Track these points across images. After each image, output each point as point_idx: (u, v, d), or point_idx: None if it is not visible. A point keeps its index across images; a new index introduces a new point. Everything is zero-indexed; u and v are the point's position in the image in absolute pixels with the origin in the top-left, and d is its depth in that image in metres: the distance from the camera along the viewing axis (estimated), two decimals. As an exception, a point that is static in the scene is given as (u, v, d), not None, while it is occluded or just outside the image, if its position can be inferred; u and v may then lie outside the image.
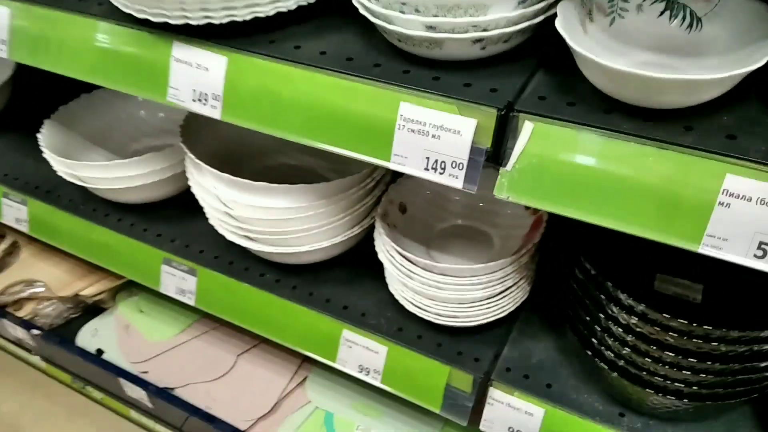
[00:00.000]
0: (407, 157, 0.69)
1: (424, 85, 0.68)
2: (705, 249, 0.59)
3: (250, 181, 0.91)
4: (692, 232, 0.59)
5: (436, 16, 0.64)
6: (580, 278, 0.85)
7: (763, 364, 0.77)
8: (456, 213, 1.06)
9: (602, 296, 0.79)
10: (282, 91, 0.73)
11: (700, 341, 0.72)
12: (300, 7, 0.77)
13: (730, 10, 0.63)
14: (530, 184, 0.64)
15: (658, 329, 0.74)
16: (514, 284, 0.93)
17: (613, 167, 0.60)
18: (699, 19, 0.65)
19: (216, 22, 0.72)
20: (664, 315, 0.73)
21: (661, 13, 0.67)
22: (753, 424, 0.87)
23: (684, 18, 0.66)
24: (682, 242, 0.59)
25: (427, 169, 0.69)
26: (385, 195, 0.99)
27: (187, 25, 0.73)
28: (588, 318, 0.84)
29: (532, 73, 0.68)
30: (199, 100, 0.77)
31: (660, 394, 0.80)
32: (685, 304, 0.88)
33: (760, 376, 0.80)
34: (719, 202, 0.57)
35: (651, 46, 0.67)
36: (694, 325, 0.72)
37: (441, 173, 0.68)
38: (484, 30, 0.64)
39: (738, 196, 0.56)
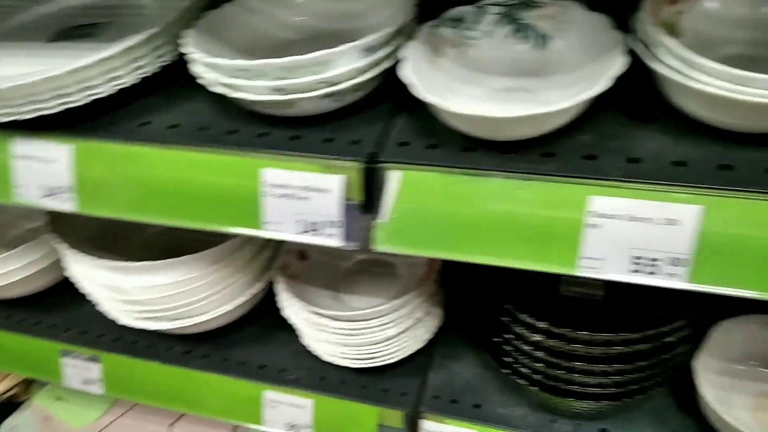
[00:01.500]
0: (280, 223, 0.66)
1: (284, 147, 0.64)
2: (583, 272, 0.59)
3: (132, 263, 0.85)
4: (568, 257, 0.58)
5: (281, 78, 0.60)
6: (484, 301, 0.85)
7: (668, 355, 0.79)
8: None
9: (506, 318, 0.79)
10: (135, 173, 0.68)
11: (604, 348, 0.73)
12: (145, 80, 0.72)
13: (575, 24, 0.63)
14: (407, 232, 0.62)
15: (563, 342, 0.75)
16: (426, 313, 0.92)
17: (483, 205, 0.59)
18: (547, 38, 0.65)
19: (48, 112, 0.66)
20: (566, 329, 0.73)
21: (510, 36, 0.66)
22: (675, 404, 0.89)
23: (533, 38, 0.66)
24: (561, 268, 0.59)
25: (302, 232, 0.65)
26: (283, 245, 0.95)
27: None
28: (498, 339, 0.83)
29: (393, 117, 0.66)
30: (51, 195, 0.71)
31: (580, 400, 0.81)
32: (591, 303, 0.89)
33: (669, 365, 0.82)
34: (589, 225, 0.57)
35: (506, 71, 0.66)
36: (596, 334, 0.73)
37: (317, 235, 0.65)
38: (334, 84, 0.61)
39: (606, 216, 0.56)
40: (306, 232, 0.66)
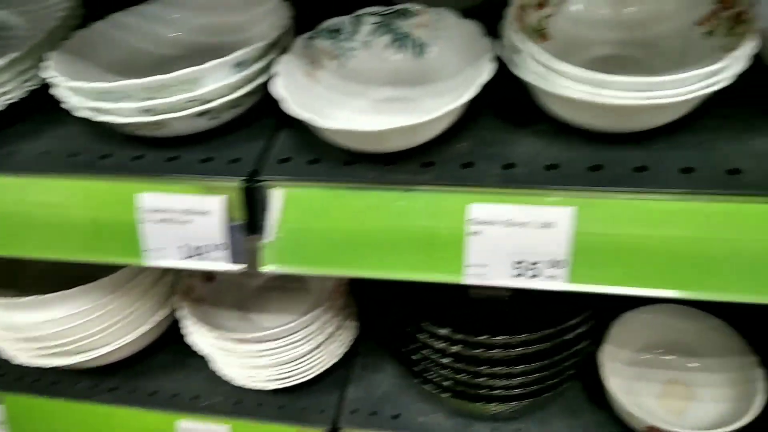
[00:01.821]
0: (162, 250, 0.63)
1: (160, 170, 0.62)
2: (469, 279, 0.58)
3: (22, 298, 0.80)
4: (454, 265, 0.58)
5: (148, 98, 0.58)
6: (394, 310, 0.84)
7: (572, 351, 0.80)
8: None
9: (412, 327, 0.78)
10: (3, 205, 0.63)
11: (504, 350, 0.74)
12: (12, 106, 0.68)
13: (449, 32, 0.63)
14: (294, 250, 0.61)
15: (465, 347, 0.75)
16: (338, 327, 0.90)
17: (366, 218, 0.58)
18: (424, 46, 0.65)
19: None
20: (466, 335, 0.74)
21: (389, 46, 0.66)
22: (586, 396, 0.91)
23: (410, 47, 0.65)
24: (447, 277, 0.59)
25: (186, 258, 0.63)
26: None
27: None
28: (407, 349, 0.83)
29: (274, 133, 0.64)
30: None
31: (493, 403, 0.81)
32: (499, 303, 0.90)
33: (575, 360, 0.83)
34: (470, 232, 0.57)
35: (387, 80, 0.65)
36: (494, 338, 0.73)
37: (203, 259, 0.63)
38: (206, 102, 0.59)
39: (485, 223, 0.56)
40: (190, 257, 0.63)
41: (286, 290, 0.97)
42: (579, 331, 0.84)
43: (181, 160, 0.63)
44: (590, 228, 0.54)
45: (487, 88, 0.56)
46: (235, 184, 0.60)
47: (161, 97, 0.58)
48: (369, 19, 0.65)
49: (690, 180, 0.52)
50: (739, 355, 0.88)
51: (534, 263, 0.57)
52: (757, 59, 0.54)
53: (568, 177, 0.55)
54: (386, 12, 0.65)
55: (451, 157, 0.59)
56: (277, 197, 0.59)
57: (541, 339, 0.77)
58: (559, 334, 0.80)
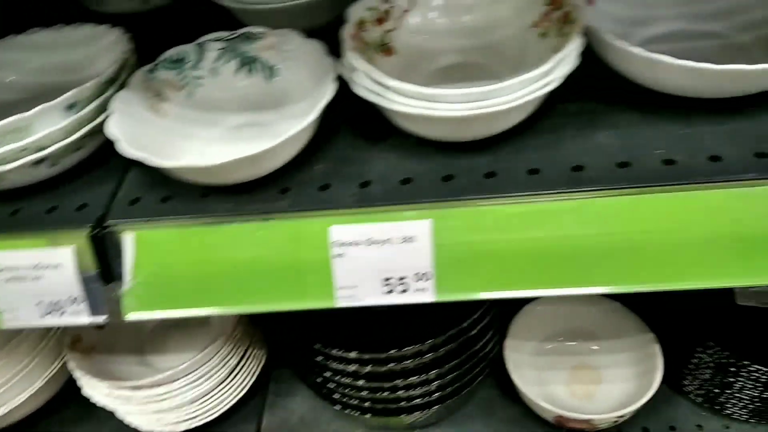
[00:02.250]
0: (16, 310, 0.59)
1: (3, 226, 0.58)
2: (341, 302, 0.57)
3: None
4: (325, 290, 0.57)
5: (-26, 152, 0.54)
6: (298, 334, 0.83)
7: (479, 346, 0.81)
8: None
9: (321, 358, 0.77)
10: None
11: (400, 362, 0.73)
12: None
13: (295, 53, 0.62)
14: (155, 294, 0.58)
15: (377, 365, 0.75)
16: (244, 357, 0.88)
17: (227, 253, 0.56)
18: (274, 69, 0.63)
19: None
20: (374, 353, 0.73)
21: (238, 71, 0.64)
22: (500, 392, 0.92)
23: (260, 70, 0.63)
24: (320, 303, 0.57)
25: (45, 315, 0.59)
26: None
27: None
28: (319, 379, 0.82)
29: (123, 173, 0.61)
30: None
31: (408, 414, 0.81)
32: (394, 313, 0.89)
33: (484, 355, 0.84)
34: (334, 255, 0.55)
35: (241, 106, 0.63)
36: (405, 349, 0.73)
37: (63, 315, 0.59)
38: (40, 150, 0.55)
39: (348, 244, 0.55)
40: (49, 314, 0.59)
41: (186, 326, 0.94)
42: (482, 325, 0.85)
43: (25, 213, 0.59)
44: (449, 238, 0.54)
45: (342, 104, 0.55)
46: (83, 232, 0.56)
47: (-12, 151, 0.54)
48: (213, 45, 0.63)
49: (537, 181, 0.53)
50: (637, 333, 0.90)
51: (402, 278, 0.56)
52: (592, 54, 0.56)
53: (423, 190, 0.54)
54: (231, 37, 0.63)
55: (308, 180, 0.57)
56: (129, 241, 0.56)
57: (447, 340, 0.77)
58: (462, 332, 0.80)
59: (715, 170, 0.50)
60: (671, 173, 0.51)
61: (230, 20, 0.71)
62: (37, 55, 0.69)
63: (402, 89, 0.49)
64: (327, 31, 0.61)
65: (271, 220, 0.55)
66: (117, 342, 0.89)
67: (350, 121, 0.62)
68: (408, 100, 0.50)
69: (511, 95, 0.48)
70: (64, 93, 0.66)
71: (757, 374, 0.78)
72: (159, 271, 0.57)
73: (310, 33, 0.63)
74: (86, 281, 0.57)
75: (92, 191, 0.60)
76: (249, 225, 0.56)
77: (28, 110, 0.58)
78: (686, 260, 0.52)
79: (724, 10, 0.62)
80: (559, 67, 0.49)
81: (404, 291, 0.57)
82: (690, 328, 0.84)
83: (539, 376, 0.91)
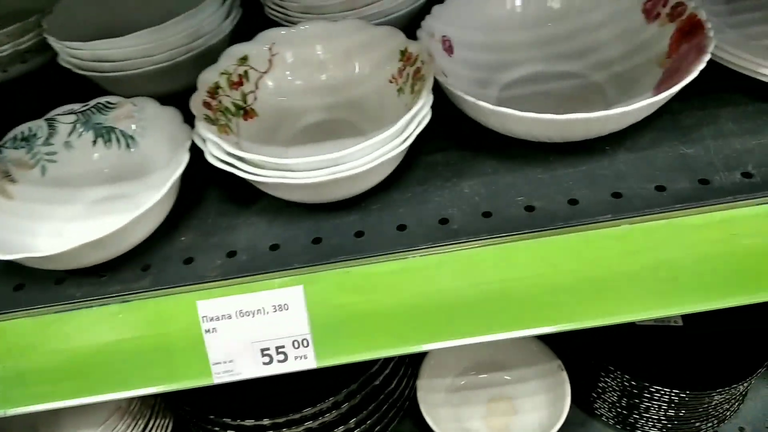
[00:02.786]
0: None
1: None
2: (219, 378, 0.55)
3: None
4: (200, 367, 0.54)
5: None
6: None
7: (386, 394, 0.80)
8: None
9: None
10: None
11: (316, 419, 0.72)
12: None
13: (153, 121, 0.59)
14: (14, 388, 0.54)
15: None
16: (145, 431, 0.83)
17: (89, 339, 0.53)
18: (133, 138, 0.61)
19: None
20: (266, 420, 0.71)
21: (94, 143, 0.61)
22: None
23: (118, 140, 0.61)
24: (197, 381, 0.54)
25: None
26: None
27: None
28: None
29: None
30: None
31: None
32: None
33: (392, 401, 0.83)
34: (205, 331, 0.53)
35: (102, 178, 0.60)
36: (304, 410, 0.72)
37: None
38: None
39: (218, 318, 0.53)
40: None
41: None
42: (392, 365, 0.84)
43: None
44: (323, 302, 0.52)
45: (206, 169, 0.53)
46: (-74, 331, 0.52)
47: None
48: (65, 118, 0.59)
49: (405, 236, 0.52)
50: (546, 361, 0.91)
51: (279, 347, 0.54)
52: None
53: (292, 255, 0.53)
54: (82, 109, 0.60)
55: (172, 254, 0.55)
56: (-21, 337, 0.52)
57: (348, 395, 0.75)
58: (363, 385, 0.79)
59: (573, 213, 0.51)
60: (532, 220, 0.51)
61: (91, 87, 0.68)
62: None
63: (252, 160, 0.48)
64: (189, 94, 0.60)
65: (131, 301, 0.52)
66: (9, 422, 0.82)
67: (217, 185, 0.60)
68: (261, 170, 0.48)
69: (362, 159, 0.47)
70: None
71: (659, 394, 0.80)
72: (19, 365, 0.53)
73: (173, 96, 0.61)
74: (-65, 385, 0.53)
75: (-64, 285, 0.55)
76: (109, 308, 0.52)
77: None
78: (558, 301, 0.52)
79: (579, 51, 0.65)
80: (409, 127, 0.49)
81: (284, 360, 0.55)
82: (593, 353, 0.85)
83: (456, 413, 0.91)
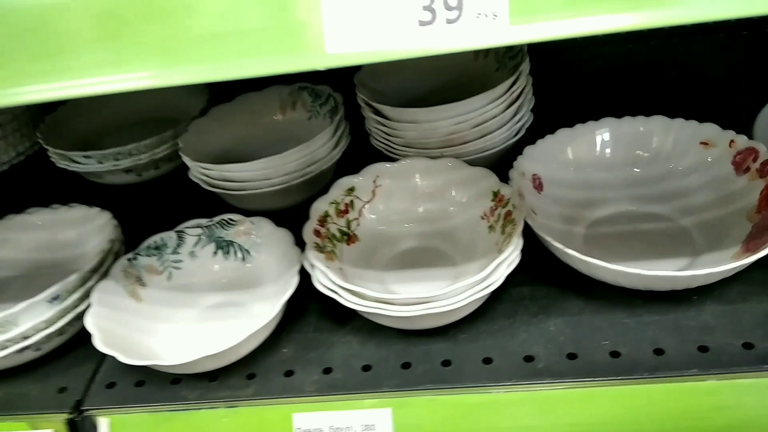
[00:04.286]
0: (-11, 495, 0.60)
1: (-17, 410, 0.60)
2: (306, 489, 0.58)
3: None
4: (289, 478, 0.58)
5: (-40, 344, 0.58)
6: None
7: None
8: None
9: None
10: None
11: None
12: None
13: (267, 239, 0.67)
14: (125, 479, 0.59)
15: None
16: None
17: (195, 439, 0.58)
18: (248, 252, 0.68)
19: None
20: None
21: (215, 254, 0.68)
22: None
23: (236, 253, 0.68)
24: (285, 490, 0.58)
25: (16, 500, 0.60)
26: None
27: None
28: None
29: (103, 355, 0.64)
30: None
31: None
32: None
33: None
34: (298, 441, 0.57)
35: (218, 286, 0.68)
36: None
37: (33, 498, 0.60)
38: (24, 339, 0.59)
39: (311, 431, 0.57)
40: (21, 498, 0.60)
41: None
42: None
43: (7, 395, 0.62)
44: (409, 425, 0.55)
45: (309, 286, 0.59)
46: (61, 416, 0.59)
47: (-26, 343, 0.58)
48: (192, 231, 0.68)
49: (491, 370, 0.55)
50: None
51: (364, 465, 0.57)
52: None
53: (383, 377, 0.57)
54: (208, 224, 0.68)
55: (274, 366, 0.60)
56: (104, 426, 0.59)
57: None
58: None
59: (659, 364, 0.53)
60: (618, 366, 0.53)
61: (211, 196, 0.77)
62: (33, 233, 0.75)
63: (353, 291, 0.53)
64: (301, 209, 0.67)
65: (236, 407, 0.58)
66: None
67: (317, 301, 0.65)
68: (361, 301, 0.53)
69: (454, 298, 0.52)
70: (56, 269, 0.72)
71: None
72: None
73: (285, 211, 0.68)
74: (61, 465, 0.59)
75: (72, 373, 0.63)
76: (216, 412, 0.58)
77: (23, 288, 0.63)
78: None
79: (667, 194, 0.67)
80: (498, 269, 0.53)
81: (366, 478, 0.58)
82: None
83: None
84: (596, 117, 0.72)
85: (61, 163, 0.86)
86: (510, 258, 0.54)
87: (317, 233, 0.60)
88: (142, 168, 0.86)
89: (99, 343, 0.55)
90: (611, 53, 0.90)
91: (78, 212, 0.74)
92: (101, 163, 0.84)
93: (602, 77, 0.90)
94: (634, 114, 0.71)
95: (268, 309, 0.59)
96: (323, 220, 0.62)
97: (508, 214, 0.59)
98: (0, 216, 0.77)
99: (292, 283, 0.58)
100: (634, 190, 0.69)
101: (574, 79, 0.90)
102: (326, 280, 0.55)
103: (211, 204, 0.75)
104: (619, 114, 0.71)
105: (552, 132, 0.70)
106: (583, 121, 0.71)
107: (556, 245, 0.55)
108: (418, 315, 0.52)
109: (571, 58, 0.91)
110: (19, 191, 0.93)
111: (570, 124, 0.71)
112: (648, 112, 0.71)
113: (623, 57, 0.90)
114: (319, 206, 0.63)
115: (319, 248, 0.59)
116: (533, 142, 0.69)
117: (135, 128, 0.99)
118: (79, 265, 0.72)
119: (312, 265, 0.57)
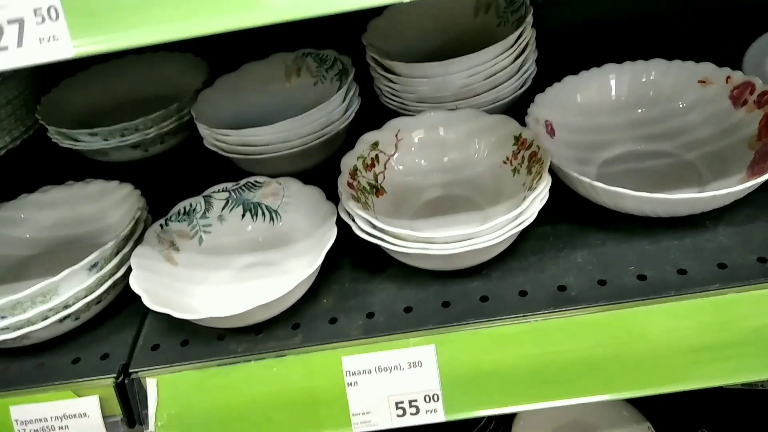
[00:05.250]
0: (41, 464, 0.61)
1: (28, 380, 0.61)
2: (358, 428, 0.60)
3: None
4: (341, 418, 0.60)
5: (3, 317, 0.58)
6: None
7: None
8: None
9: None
10: None
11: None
12: None
13: (296, 198, 0.68)
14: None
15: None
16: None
17: (245, 391, 0.60)
18: (277, 213, 0.69)
19: None
20: None
21: (243, 216, 0.70)
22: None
23: (263, 215, 0.69)
24: (338, 430, 0.60)
25: (68, 466, 0.61)
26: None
27: None
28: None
29: (142, 319, 0.65)
30: None
31: None
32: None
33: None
34: (348, 384, 0.59)
35: (249, 248, 0.69)
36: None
37: (85, 464, 0.61)
38: (65, 308, 0.60)
39: (360, 372, 0.59)
40: (73, 462, 0.61)
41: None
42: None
43: (49, 365, 0.62)
44: (453, 360, 0.58)
45: (340, 240, 0.61)
46: (108, 381, 0.60)
47: (17, 314, 0.58)
48: (219, 195, 0.69)
49: (527, 302, 0.58)
50: (634, 423, 0.94)
51: (412, 401, 0.60)
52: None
53: (424, 317, 0.59)
54: (234, 187, 0.69)
55: (317, 315, 0.62)
56: (152, 387, 0.60)
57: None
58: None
59: (683, 282, 0.57)
60: (646, 288, 0.57)
61: (220, 164, 0.78)
62: (50, 211, 0.75)
63: (400, 234, 0.55)
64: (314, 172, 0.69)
65: (285, 356, 0.60)
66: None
67: (348, 255, 0.67)
68: (405, 243, 0.56)
69: (494, 234, 0.54)
70: (76, 245, 0.72)
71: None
72: (181, 414, 0.60)
73: (298, 176, 0.70)
74: (110, 428, 0.60)
75: (113, 340, 0.63)
76: (265, 362, 0.60)
77: (44, 265, 0.63)
78: (672, 365, 0.57)
79: (670, 132, 0.71)
80: (533, 204, 0.56)
81: (416, 413, 0.60)
82: (682, 416, 0.88)
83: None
84: (587, 66, 0.75)
85: (65, 143, 0.86)
86: (542, 193, 0.57)
87: (351, 186, 0.62)
88: (149, 143, 0.86)
89: (149, 303, 0.56)
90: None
91: (95, 187, 0.74)
92: (107, 140, 0.84)
93: (592, 28, 0.95)
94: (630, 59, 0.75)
95: (307, 262, 0.60)
96: (353, 173, 0.64)
97: (533, 155, 0.62)
98: (10, 197, 0.76)
99: (331, 234, 0.60)
100: (639, 131, 0.73)
101: (566, 32, 0.94)
102: (368, 226, 0.57)
103: (221, 174, 0.76)
104: (619, 60, 0.75)
105: (556, 81, 0.74)
106: (577, 70, 0.75)
107: (583, 179, 0.58)
108: (460, 252, 0.54)
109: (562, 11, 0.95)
110: (19, 175, 0.92)
111: (564, 74, 0.74)
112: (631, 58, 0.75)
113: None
114: (348, 161, 0.65)
115: (356, 199, 0.61)
116: (538, 92, 0.72)
117: (127, 107, 0.98)
118: (102, 239, 0.72)
119: (352, 215, 0.59)
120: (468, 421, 0.85)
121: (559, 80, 0.74)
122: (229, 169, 0.77)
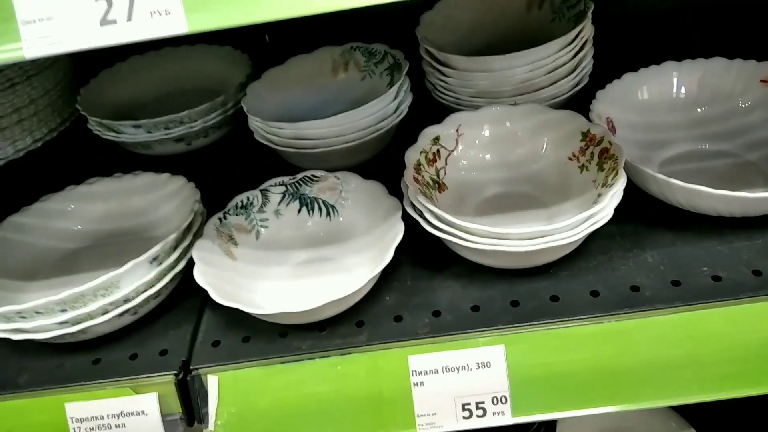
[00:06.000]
0: (97, 462, 0.59)
1: (84, 377, 0.59)
2: (423, 429, 0.59)
3: None
4: (406, 418, 0.59)
5: (65, 311, 0.56)
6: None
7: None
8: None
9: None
10: None
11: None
12: None
13: (355, 193, 0.67)
14: (241, 433, 0.59)
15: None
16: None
17: (308, 389, 0.58)
18: (334, 207, 0.68)
19: None
20: None
21: (299, 211, 0.68)
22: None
23: (321, 210, 0.68)
24: (402, 431, 0.59)
25: (125, 465, 0.59)
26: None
27: None
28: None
29: (200, 314, 0.64)
30: None
31: None
32: None
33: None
34: (414, 384, 0.58)
35: (304, 244, 0.68)
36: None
37: (143, 463, 0.59)
38: (126, 302, 0.58)
39: (426, 373, 0.58)
40: (127, 461, 0.60)
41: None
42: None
43: (106, 361, 0.61)
44: (522, 361, 0.57)
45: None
46: (167, 378, 0.58)
47: (79, 308, 0.56)
48: (276, 189, 0.68)
49: (600, 302, 0.57)
50: (679, 430, 0.93)
51: (480, 403, 0.59)
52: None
53: (492, 316, 0.58)
54: (291, 181, 0.68)
55: (382, 313, 0.61)
56: (213, 385, 0.58)
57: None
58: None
59: (760, 284, 0.56)
60: (722, 288, 0.56)
61: (261, 157, 0.76)
62: (98, 203, 0.73)
63: (472, 229, 0.54)
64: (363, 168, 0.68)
65: (350, 354, 0.58)
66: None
67: (406, 252, 0.66)
68: (478, 239, 0.54)
69: (571, 231, 0.53)
70: (125, 238, 0.70)
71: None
72: (242, 412, 0.59)
73: (353, 169, 0.69)
74: (169, 426, 0.59)
75: (171, 335, 0.62)
76: (329, 360, 0.58)
77: (96, 256, 0.61)
78: (746, 370, 0.56)
79: (732, 132, 0.70)
80: (608, 205, 0.55)
81: (482, 415, 0.59)
82: (729, 425, 0.87)
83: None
84: (640, 64, 0.74)
85: (107, 135, 0.84)
86: (619, 190, 0.56)
87: (416, 180, 0.61)
88: (193, 136, 0.84)
89: (217, 297, 0.55)
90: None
91: (144, 179, 0.73)
92: (150, 132, 0.82)
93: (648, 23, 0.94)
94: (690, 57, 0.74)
95: (368, 258, 0.59)
96: (418, 168, 0.63)
97: (604, 151, 0.61)
98: (49, 189, 0.74)
99: (398, 229, 0.58)
100: (700, 130, 0.72)
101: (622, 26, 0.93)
102: (437, 221, 0.56)
103: (265, 168, 0.75)
104: (679, 57, 0.74)
105: (609, 79, 0.73)
106: (636, 67, 0.74)
107: (658, 176, 0.57)
108: (535, 249, 0.53)
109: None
110: (57, 167, 0.90)
111: (615, 72, 0.73)
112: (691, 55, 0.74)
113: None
114: (411, 155, 0.63)
115: (423, 194, 0.60)
116: (596, 88, 0.71)
117: (166, 100, 0.97)
118: (153, 233, 0.71)
119: (421, 209, 0.58)
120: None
121: (610, 77, 0.73)
122: (273, 164, 0.76)
